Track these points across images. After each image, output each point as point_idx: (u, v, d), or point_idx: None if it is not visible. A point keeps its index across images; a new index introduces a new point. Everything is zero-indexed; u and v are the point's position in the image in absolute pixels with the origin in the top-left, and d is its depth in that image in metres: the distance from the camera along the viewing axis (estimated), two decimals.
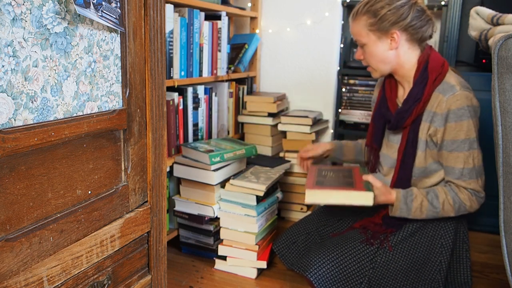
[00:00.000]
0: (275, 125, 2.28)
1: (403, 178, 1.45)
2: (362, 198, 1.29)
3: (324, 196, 1.32)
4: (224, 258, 1.76)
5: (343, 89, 2.33)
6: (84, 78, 0.83)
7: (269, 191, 1.79)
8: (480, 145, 1.38)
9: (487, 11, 1.24)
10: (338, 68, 2.34)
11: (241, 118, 2.30)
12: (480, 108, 1.39)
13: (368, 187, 1.35)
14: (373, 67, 1.48)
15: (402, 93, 1.50)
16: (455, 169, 1.37)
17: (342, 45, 2.32)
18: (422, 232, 1.43)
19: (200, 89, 1.98)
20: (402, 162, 1.44)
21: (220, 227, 1.76)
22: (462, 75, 1.45)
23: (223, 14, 2.08)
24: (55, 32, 0.75)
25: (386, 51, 1.42)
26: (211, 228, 1.80)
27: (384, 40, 1.41)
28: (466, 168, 1.36)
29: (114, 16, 0.86)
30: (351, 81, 2.32)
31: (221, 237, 1.76)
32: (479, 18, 1.27)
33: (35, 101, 0.73)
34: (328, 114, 2.40)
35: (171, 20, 1.74)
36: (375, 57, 1.44)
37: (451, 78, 1.39)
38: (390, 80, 1.53)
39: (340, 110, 2.35)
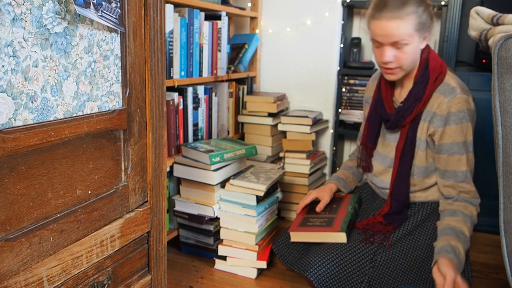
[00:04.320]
0: (275, 125, 2.28)
1: (402, 176, 1.46)
2: (337, 238, 1.45)
3: (306, 236, 1.50)
4: (224, 258, 1.76)
5: (343, 89, 2.33)
6: (84, 78, 0.83)
7: (269, 191, 1.79)
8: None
9: (487, 11, 1.24)
10: (338, 68, 2.34)
11: (241, 118, 2.30)
12: (476, 112, 1.41)
13: (344, 226, 1.47)
14: (405, 67, 1.40)
15: (399, 92, 1.51)
16: (458, 172, 1.38)
17: (342, 45, 2.32)
18: (421, 230, 1.44)
19: (200, 89, 1.98)
20: (401, 160, 1.45)
21: (220, 227, 1.76)
22: (458, 76, 1.46)
23: (223, 14, 2.08)
24: (55, 32, 0.75)
25: (419, 49, 1.40)
26: (211, 228, 1.80)
27: (421, 39, 1.38)
28: (468, 170, 1.38)
29: (114, 16, 0.86)
30: (351, 81, 2.32)
31: (221, 237, 1.76)
32: (479, 18, 1.27)
33: (35, 101, 0.73)
34: (328, 114, 2.40)
35: (171, 20, 1.74)
36: (413, 56, 1.38)
37: (451, 79, 1.39)
38: (386, 80, 1.52)
39: (340, 110, 2.35)
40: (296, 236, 1.52)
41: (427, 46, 1.46)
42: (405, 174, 1.45)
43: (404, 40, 1.33)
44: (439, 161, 1.41)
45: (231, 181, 1.76)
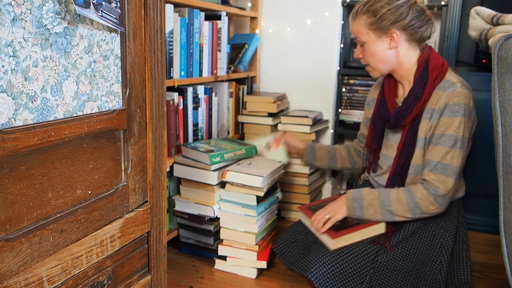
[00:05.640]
0: (275, 125, 2.28)
1: (398, 174, 1.46)
2: (377, 230, 1.45)
3: (347, 239, 1.45)
4: (224, 258, 1.76)
5: (343, 89, 2.33)
6: (84, 78, 0.83)
7: (269, 191, 1.79)
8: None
9: (487, 11, 1.24)
10: (338, 68, 2.34)
11: (241, 118, 2.30)
12: (474, 110, 1.39)
13: None
14: (372, 66, 1.48)
15: (402, 93, 1.51)
16: (430, 161, 1.37)
17: (342, 45, 2.32)
18: (422, 232, 1.44)
19: (200, 89, 1.98)
20: (399, 159, 1.45)
21: (220, 227, 1.76)
22: (460, 75, 1.46)
23: (223, 14, 2.08)
24: (55, 32, 0.75)
25: (385, 50, 1.42)
26: (211, 228, 1.80)
27: (383, 39, 1.41)
28: (441, 163, 1.35)
29: (114, 16, 0.86)
30: (351, 81, 2.32)
31: (221, 237, 1.76)
32: (479, 18, 1.27)
33: (35, 101, 0.73)
34: (328, 114, 2.40)
35: (171, 20, 1.74)
36: (375, 56, 1.45)
37: (452, 77, 1.39)
38: (389, 80, 1.53)
39: (340, 110, 2.35)
40: (338, 242, 1.43)
41: (429, 47, 1.46)
42: (401, 173, 1.46)
43: (359, 37, 1.45)
44: (426, 150, 1.42)
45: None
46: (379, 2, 1.39)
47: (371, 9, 1.40)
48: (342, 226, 1.50)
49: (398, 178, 1.46)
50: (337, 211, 1.46)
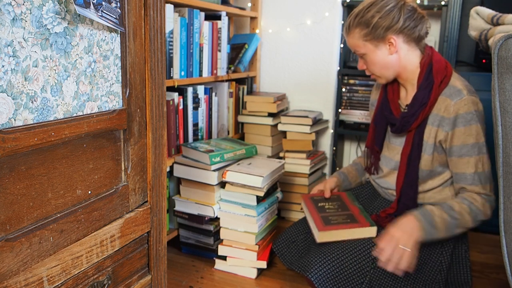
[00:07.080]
0: (275, 125, 2.28)
1: (410, 181, 1.44)
2: (368, 233, 1.44)
3: (335, 235, 1.44)
4: (224, 258, 1.76)
5: (343, 89, 2.33)
6: (84, 78, 0.83)
7: (269, 191, 1.79)
8: None
9: (487, 11, 1.24)
10: (338, 68, 2.34)
11: (241, 118, 2.30)
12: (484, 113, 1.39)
13: (370, 220, 1.48)
14: (377, 74, 1.47)
15: (405, 95, 1.50)
16: (467, 174, 1.36)
17: (342, 45, 2.32)
18: None
19: (200, 89, 1.98)
20: (408, 165, 1.44)
21: (220, 227, 1.76)
22: (463, 78, 1.45)
23: (223, 14, 2.08)
24: (55, 32, 0.75)
25: (386, 56, 1.41)
26: (211, 228, 1.80)
27: (382, 47, 1.40)
28: (477, 173, 1.35)
29: (114, 16, 0.86)
30: (351, 81, 2.32)
31: (221, 237, 1.76)
32: (479, 18, 1.27)
33: (35, 101, 0.73)
34: (328, 114, 2.40)
35: (171, 20, 1.74)
36: (377, 64, 1.44)
37: (457, 81, 1.38)
38: (393, 82, 1.52)
39: (340, 110, 2.35)
40: (324, 236, 1.44)
41: (429, 47, 1.45)
42: (413, 180, 1.44)
43: (357, 50, 1.45)
44: (451, 164, 1.39)
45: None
46: (369, 12, 1.38)
47: (362, 21, 1.39)
48: (334, 220, 1.49)
49: (412, 185, 1.45)
50: (409, 235, 1.28)
